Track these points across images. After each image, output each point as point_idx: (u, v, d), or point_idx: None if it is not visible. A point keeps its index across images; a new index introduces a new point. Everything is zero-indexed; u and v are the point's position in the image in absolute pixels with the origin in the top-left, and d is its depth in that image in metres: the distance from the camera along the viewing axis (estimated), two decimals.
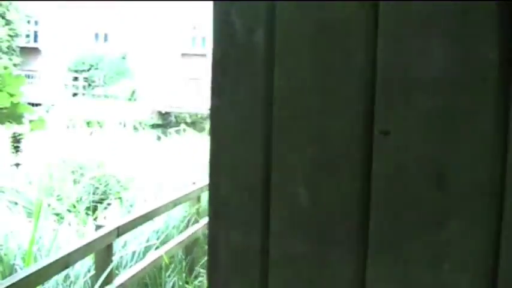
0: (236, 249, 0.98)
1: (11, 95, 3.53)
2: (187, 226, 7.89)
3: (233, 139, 0.97)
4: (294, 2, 0.91)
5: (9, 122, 3.57)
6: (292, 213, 0.94)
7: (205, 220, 8.29)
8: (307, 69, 0.91)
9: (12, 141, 3.01)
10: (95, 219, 7.45)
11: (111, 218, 7.61)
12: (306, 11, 0.90)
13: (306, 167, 0.93)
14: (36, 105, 31.03)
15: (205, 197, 8.93)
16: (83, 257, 5.37)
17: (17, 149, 3.02)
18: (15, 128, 3.38)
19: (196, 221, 8.03)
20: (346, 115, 0.90)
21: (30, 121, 3.47)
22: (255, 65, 0.94)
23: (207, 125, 22.62)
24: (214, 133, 0.98)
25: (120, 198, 8.79)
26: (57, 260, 4.66)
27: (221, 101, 0.97)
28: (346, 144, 0.90)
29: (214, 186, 1.00)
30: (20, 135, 3.16)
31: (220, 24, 0.96)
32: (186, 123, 29.10)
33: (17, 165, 3.34)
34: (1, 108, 3.57)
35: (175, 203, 7.35)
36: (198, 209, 8.16)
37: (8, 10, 34.87)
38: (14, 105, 3.54)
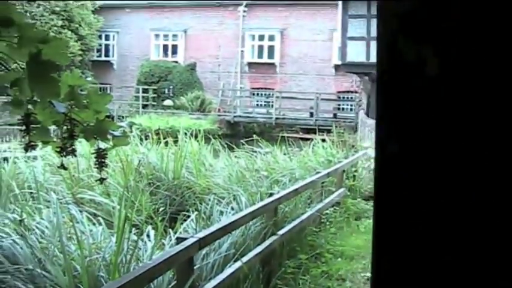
0: None
1: (97, 112, 3.57)
2: (264, 238, 7.90)
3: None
4: None
5: (94, 138, 3.61)
6: None
7: (282, 231, 8.29)
8: None
9: (97, 157, 3.07)
10: (174, 231, 7.51)
11: (190, 230, 7.68)
12: None
13: None
14: (108, 117, 31.76)
15: (281, 208, 8.93)
16: (167, 269, 5.44)
17: (101, 164, 3.08)
18: (99, 144, 3.44)
19: (273, 233, 8.03)
20: None
21: (114, 137, 3.51)
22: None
23: (275, 134, 22.66)
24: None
25: (197, 210, 8.85)
26: (143, 273, 4.73)
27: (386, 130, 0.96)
28: None
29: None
30: (103, 150, 3.22)
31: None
32: (255, 133, 29.23)
33: (102, 180, 3.39)
34: (87, 125, 3.60)
35: (253, 215, 7.38)
36: (275, 221, 8.16)
37: (80, 26, 35.87)
38: (100, 121, 3.58)
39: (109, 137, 3.66)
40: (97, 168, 3.78)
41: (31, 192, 9.78)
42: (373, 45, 23.52)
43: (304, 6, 35.23)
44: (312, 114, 31.70)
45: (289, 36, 35.89)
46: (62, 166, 3.61)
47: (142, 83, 35.69)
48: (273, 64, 36.25)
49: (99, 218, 8.13)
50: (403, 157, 0.96)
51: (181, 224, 8.04)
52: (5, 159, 12.07)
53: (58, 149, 3.54)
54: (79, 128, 3.67)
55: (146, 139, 14.33)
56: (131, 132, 12.44)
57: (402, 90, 0.94)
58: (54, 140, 3.55)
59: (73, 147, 3.53)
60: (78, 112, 3.54)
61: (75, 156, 3.07)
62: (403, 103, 0.94)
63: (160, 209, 9.70)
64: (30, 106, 3.13)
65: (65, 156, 3.53)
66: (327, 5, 30.79)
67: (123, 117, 31.70)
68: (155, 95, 35.23)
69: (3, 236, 6.82)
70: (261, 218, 8.09)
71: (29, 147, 3.46)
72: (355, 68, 24.80)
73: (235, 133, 30.81)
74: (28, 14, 34.12)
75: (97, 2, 37.89)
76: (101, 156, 3.77)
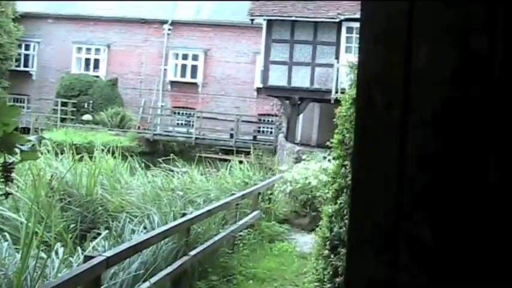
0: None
1: (5, 125, 3.49)
2: (175, 258, 7.86)
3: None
4: None
5: (1, 151, 3.52)
6: None
7: (194, 252, 8.25)
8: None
9: (2, 171, 2.98)
10: (83, 249, 7.37)
11: (100, 248, 7.56)
12: None
13: None
14: (25, 129, 30.97)
15: (194, 229, 8.91)
16: None
17: (7, 178, 2.99)
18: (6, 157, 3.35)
19: (185, 253, 8.00)
20: None
21: (22, 151, 3.43)
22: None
23: (195, 154, 22.61)
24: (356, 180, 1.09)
25: (109, 227, 8.72)
26: None
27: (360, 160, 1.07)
28: None
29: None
30: (10, 164, 3.13)
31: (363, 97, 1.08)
32: (174, 151, 29.07)
33: (7, 195, 3.29)
34: None
35: (164, 235, 7.34)
36: (187, 241, 8.13)
37: None
38: (7, 134, 3.49)
39: (17, 150, 3.58)
40: (2, 182, 3.69)
41: None
42: (295, 70, 23.93)
43: (229, 28, 35.46)
44: (232, 136, 31.81)
45: (213, 56, 36.03)
46: None
47: (62, 96, 34.95)
48: (195, 84, 36.25)
49: (5, 234, 7.89)
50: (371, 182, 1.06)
51: (91, 241, 7.89)
52: None
53: None
54: None
55: (62, 153, 14.02)
56: (42, 146, 12.17)
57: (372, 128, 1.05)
58: None
59: None
60: None
61: None
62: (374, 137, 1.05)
63: (71, 226, 9.49)
64: None
65: None
66: (252, 28, 31.09)
67: (40, 129, 30.97)
68: (74, 109, 34.54)
69: None
70: (173, 237, 8.05)
71: None
72: (276, 91, 25.08)
73: (154, 151, 30.52)
74: None
75: (19, 10, 36.98)
76: (7, 170, 3.67)
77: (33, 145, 3.73)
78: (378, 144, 1.05)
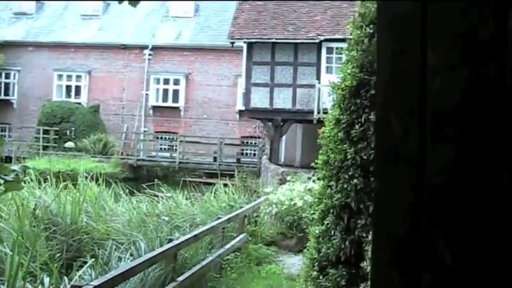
0: None
1: None
2: (163, 284, 7.80)
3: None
4: None
5: None
6: None
7: (182, 277, 8.21)
8: None
9: None
10: (70, 279, 7.30)
11: (86, 277, 7.49)
12: None
13: None
14: (7, 158, 30.74)
15: (181, 254, 8.86)
16: None
17: None
18: None
19: (173, 279, 7.95)
20: None
21: (6, 181, 3.41)
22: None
23: (179, 178, 22.55)
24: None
25: (95, 256, 8.65)
26: None
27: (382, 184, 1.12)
28: None
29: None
30: None
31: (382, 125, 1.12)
32: (158, 176, 28.99)
33: None
34: None
35: (151, 262, 7.29)
36: (174, 267, 8.08)
37: None
38: None
39: (0, 181, 3.55)
40: None
41: None
42: (277, 91, 24.01)
43: (210, 51, 35.58)
44: (215, 159, 31.75)
45: (194, 80, 36.10)
46: None
47: (44, 123, 34.77)
48: (177, 108, 36.26)
49: None
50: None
51: (78, 270, 7.82)
52: None
53: None
54: None
55: (45, 182, 13.93)
56: (26, 176, 12.09)
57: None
58: None
59: None
60: None
61: None
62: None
63: (57, 255, 9.41)
64: None
65: None
66: (232, 51, 31.21)
67: (22, 158, 30.75)
68: (57, 137, 34.37)
69: None
70: (160, 264, 8.00)
71: None
72: (258, 113, 25.13)
73: (138, 177, 30.41)
74: None
75: None
76: None
77: (16, 175, 3.70)
78: (397, 169, 1.08)
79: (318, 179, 8.66)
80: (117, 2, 3.44)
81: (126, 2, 3.34)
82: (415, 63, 1.04)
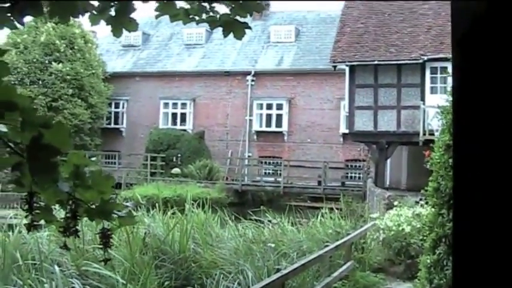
0: None
1: (101, 192, 3.51)
2: None
3: None
4: None
5: (99, 218, 3.54)
6: None
7: None
8: None
9: (101, 237, 3.01)
10: None
11: None
12: None
13: None
14: (117, 185, 31.78)
15: (289, 284, 8.78)
16: None
17: (106, 244, 3.02)
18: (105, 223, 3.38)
19: None
20: None
21: (119, 217, 3.45)
22: None
23: (284, 203, 22.57)
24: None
25: (202, 285, 8.71)
26: None
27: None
28: None
29: None
30: (108, 230, 3.16)
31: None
32: (262, 201, 29.16)
33: (106, 261, 3.32)
34: (92, 205, 3.53)
35: None
36: None
37: (90, 94, 36.36)
38: (104, 202, 3.51)
39: (114, 216, 3.60)
40: (101, 249, 3.69)
41: (34, 264, 9.64)
42: (381, 114, 23.66)
43: (312, 76, 35.60)
44: (320, 183, 31.57)
45: (297, 104, 36.17)
46: (65, 246, 3.56)
47: (151, 150, 35.80)
48: (281, 132, 36.42)
49: None
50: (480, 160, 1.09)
51: None
52: (10, 226, 11.98)
53: (61, 229, 3.48)
54: (83, 209, 3.61)
55: (153, 208, 14.22)
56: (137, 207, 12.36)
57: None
58: (58, 219, 3.50)
59: (76, 227, 3.47)
60: (83, 192, 3.48)
61: (78, 237, 3.01)
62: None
63: (166, 283, 9.54)
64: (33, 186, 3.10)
65: (68, 237, 3.47)
66: (335, 74, 31.11)
67: (131, 184, 31.70)
68: (163, 163, 35.27)
69: None
70: None
71: (31, 226, 3.41)
72: (362, 137, 24.84)
73: (243, 202, 30.70)
74: (40, 82, 34.67)
75: (108, 71, 38.52)
76: (105, 236, 3.69)
77: (130, 211, 3.75)
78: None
79: (428, 204, 8.40)
80: (220, 31, 3.46)
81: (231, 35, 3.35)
82: None
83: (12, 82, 34.18)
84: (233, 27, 3.37)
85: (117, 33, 3.41)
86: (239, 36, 3.42)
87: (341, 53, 24.67)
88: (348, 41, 24.85)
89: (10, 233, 11.31)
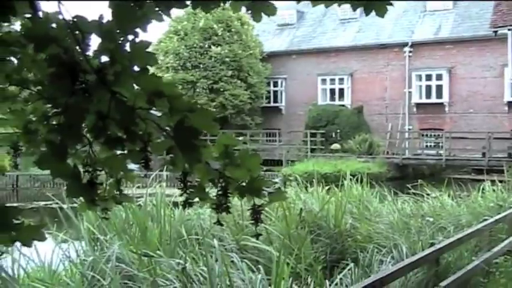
0: None
1: (249, 170, 3.70)
2: None
3: None
4: None
5: (249, 195, 3.73)
6: None
7: (445, 282, 7.98)
8: None
9: (252, 213, 3.17)
10: (331, 281, 7.50)
11: (347, 280, 7.63)
12: None
13: None
14: (278, 161, 32.45)
15: (444, 258, 8.63)
16: None
17: (256, 220, 3.18)
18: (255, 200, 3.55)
19: (435, 285, 7.76)
20: None
21: (269, 193, 3.62)
22: None
23: (446, 176, 21.97)
24: None
25: (356, 259, 8.78)
26: None
27: None
28: None
29: None
30: (259, 206, 3.33)
31: None
32: (424, 175, 28.57)
33: (258, 236, 3.51)
34: (241, 183, 3.73)
35: (412, 266, 7.20)
36: (436, 271, 7.90)
37: (249, 74, 37.26)
38: (253, 179, 3.69)
39: (264, 193, 3.77)
40: (252, 224, 3.90)
41: (197, 239, 10.16)
42: None
43: (472, 43, 34.14)
44: (484, 155, 30.36)
45: (457, 74, 34.90)
46: (219, 222, 3.78)
47: (310, 127, 36.16)
48: (441, 104, 35.36)
49: (259, 266, 8.28)
50: None
51: (339, 273, 8.00)
52: (175, 204, 12.65)
53: (214, 206, 3.72)
54: (233, 186, 3.82)
55: (311, 184, 14.37)
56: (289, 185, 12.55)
57: None
58: (210, 197, 3.74)
59: (227, 204, 3.69)
60: (232, 170, 3.69)
61: (230, 213, 3.21)
62: None
63: (321, 257, 9.70)
64: (186, 165, 3.34)
65: (220, 213, 3.71)
66: (496, 40, 29.65)
67: (292, 161, 32.24)
68: (323, 139, 35.50)
69: (167, 283, 7.18)
70: (422, 268, 7.86)
71: (186, 204, 3.67)
72: None
73: (404, 176, 30.24)
74: (201, 66, 36.01)
75: (265, 50, 39.23)
76: (256, 212, 3.88)
77: (279, 188, 3.91)
78: None
79: None
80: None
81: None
82: None
83: (175, 67, 35.84)
84: (374, 5, 3.41)
85: (256, 18, 3.60)
86: (381, 13, 3.46)
87: (502, 17, 23.52)
88: (509, 3, 23.63)
89: (175, 211, 11.96)
